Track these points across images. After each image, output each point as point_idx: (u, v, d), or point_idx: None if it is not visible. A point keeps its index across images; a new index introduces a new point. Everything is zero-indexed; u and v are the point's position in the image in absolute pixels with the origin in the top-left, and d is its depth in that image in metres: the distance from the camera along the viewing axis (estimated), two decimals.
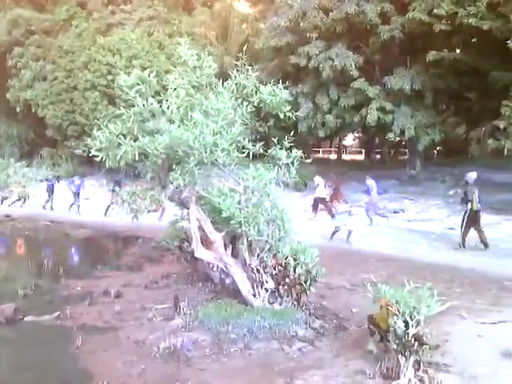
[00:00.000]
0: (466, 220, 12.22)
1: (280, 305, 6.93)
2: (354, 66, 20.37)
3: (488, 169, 22.56)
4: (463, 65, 20.36)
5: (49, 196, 20.29)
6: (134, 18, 28.18)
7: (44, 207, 20.20)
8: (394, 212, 18.25)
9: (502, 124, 18.11)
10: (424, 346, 4.89)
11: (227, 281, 7.90)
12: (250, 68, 7.66)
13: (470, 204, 12.10)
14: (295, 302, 7.03)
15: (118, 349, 6.24)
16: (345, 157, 41.93)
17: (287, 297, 6.93)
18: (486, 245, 12.06)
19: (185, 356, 5.90)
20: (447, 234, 14.53)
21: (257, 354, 6.01)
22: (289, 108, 7.56)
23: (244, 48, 8.16)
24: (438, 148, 34.23)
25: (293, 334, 6.44)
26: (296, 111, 20.35)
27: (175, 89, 7.14)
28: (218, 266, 7.74)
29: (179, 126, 6.46)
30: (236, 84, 7.55)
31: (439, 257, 11.59)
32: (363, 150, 42.50)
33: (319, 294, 7.93)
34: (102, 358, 6.01)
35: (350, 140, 46.83)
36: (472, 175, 12.58)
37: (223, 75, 7.95)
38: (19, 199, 21.25)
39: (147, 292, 8.78)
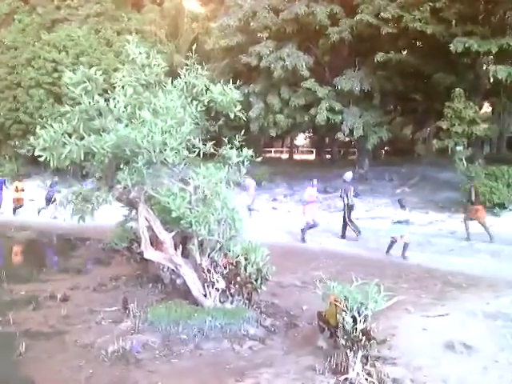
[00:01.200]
0: (346, 213, 14.04)
1: (231, 304, 6.92)
2: (304, 67, 20.63)
3: (433, 167, 23.40)
4: (409, 67, 21.00)
5: None
6: (80, 13, 27.45)
7: None
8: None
9: (444, 125, 18.80)
10: (372, 341, 4.99)
11: (178, 281, 7.82)
12: (200, 67, 7.61)
13: (346, 199, 14.01)
14: (246, 301, 7.03)
15: (64, 354, 6.05)
16: (296, 156, 42.37)
17: (238, 296, 6.93)
18: (355, 233, 13.90)
19: (134, 358, 5.79)
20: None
21: (207, 354, 5.98)
22: (239, 107, 7.54)
23: (194, 47, 8.12)
24: (385, 148, 35.15)
25: (244, 332, 6.45)
26: (248, 111, 20.66)
27: (123, 87, 7.00)
28: (168, 267, 7.65)
29: (127, 125, 6.33)
30: (186, 83, 7.49)
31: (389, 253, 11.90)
32: (314, 150, 43.07)
33: (271, 292, 7.97)
34: (47, 364, 5.81)
35: (301, 140, 47.40)
36: (348, 175, 14.40)
37: (173, 74, 7.87)
38: None
39: (95, 295, 8.56)
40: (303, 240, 13.48)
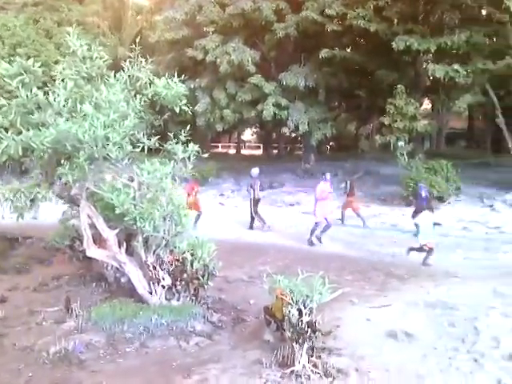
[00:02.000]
0: (252, 206, 14.46)
1: (177, 301, 6.86)
2: (250, 62, 20.70)
3: (376, 162, 24.06)
4: (353, 64, 21.48)
5: None
6: (17, 2, 26.27)
7: None
8: (290, 205, 18.82)
9: (387, 121, 19.36)
10: (317, 333, 5.08)
11: (123, 280, 7.65)
12: (144, 60, 7.45)
13: (252, 193, 14.44)
14: (193, 298, 6.98)
15: (2, 358, 5.79)
16: (243, 152, 42.47)
17: (185, 292, 6.87)
18: (261, 224, 14.37)
19: (77, 359, 5.63)
20: (339, 224, 15.25)
21: (153, 352, 5.90)
22: (185, 102, 7.45)
23: (138, 39, 7.96)
24: (331, 143, 35.82)
25: (190, 329, 6.40)
26: (194, 106, 20.47)
27: (63, 80, 6.76)
28: (112, 265, 7.48)
29: (67, 119, 6.12)
30: (129, 76, 7.31)
31: (332, 246, 12.15)
32: (261, 145, 43.31)
33: (218, 287, 7.96)
34: None
35: (248, 135, 47.53)
36: (255, 170, 14.92)
37: (117, 67, 7.67)
38: None
39: (36, 295, 8.24)
40: (311, 243, 12.26)
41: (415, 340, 5.85)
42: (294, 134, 28.28)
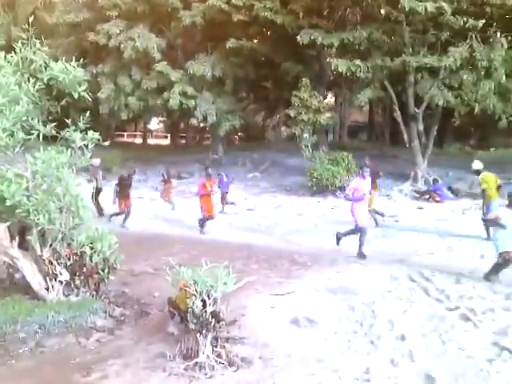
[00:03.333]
0: (94, 195, 14.40)
1: (77, 296, 6.53)
2: (156, 49, 20.20)
3: (282, 153, 24.57)
4: (260, 55, 21.70)
5: None
6: None
7: None
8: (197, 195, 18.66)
9: (292, 113, 19.78)
10: (221, 323, 5.06)
11: (17, 276, 7.14)
12: (38, 41, 6.95)
13: (95, 182, 14.68)
14: (94, 292, 6.69)
15: None
16: (150, 141, 41.55)
17: (84, 287, 6.56)
18: (98, 212, 14.12)
19: None
20: (247, 214, 15.41)
21: (50, 351, 5.57)
22: (85, 87, 7.06)
23: (32, 19, 7.43)
24: (239, 134, 36.04)
25: (91, 325, 6.13)
26: (97, 92, 19.59)
27: None
28: (4, 261, 6.95)
29: None
30: (22, 58, 6.79)
31: (239, 236, 12.23)
32: (169, 135, 42.61)
33: (121, 281, 7.71)
34: None
35: (155, 124, 46.53)
36: (96, 161, 14.54)
37: (12, 48, 7.09)
38: None
39: None
40: (362, 256, 9.79)
41: (317, 325, 6.03)
42: (202, 124, 28.10)
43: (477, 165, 11.69)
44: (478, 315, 6.33)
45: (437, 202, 16.84)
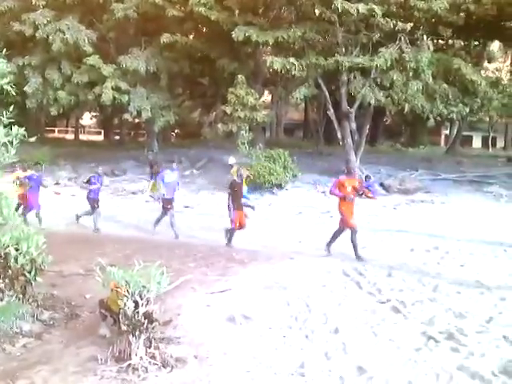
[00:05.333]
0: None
1: (1, 301, 6.17)
2: (87, 42, 19.51)
3: (219, 150, 24.49)
4: (196, 51, 21.48)
5: None
6: None
7: None
8: (133, 193, 18.32)
9: (228, 110, 19.75)
10: (154, 323, 4.94)
11: None
12: None
13: None
14: (20, 295, 6.34)
15: None
16: (83, 137, 40.22)
17: (9, 291, 6.19)
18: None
19: None
20: (184, 212, 15.24)
21: None
22: (7, 80, 6.67)
23: None
24: (176, 130, 35.58)
25: (17, 330, 5.79)
26: (24, 86, 18.68)
27: None
28: None
29: None
30: None
31: (176, 234, 12.06)
32: (102, 131, 41.41)
33: (51, 283, 7.37)
34: None
35: (87, 120, 45.07)
36: None
37: None
38: None
39: None
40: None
41: (253, 322, 6.03)
42: (137, 120, 27.50)
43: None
44: (408, 307, 6.57)
45: (369, 197, 17.36)
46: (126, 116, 21.36)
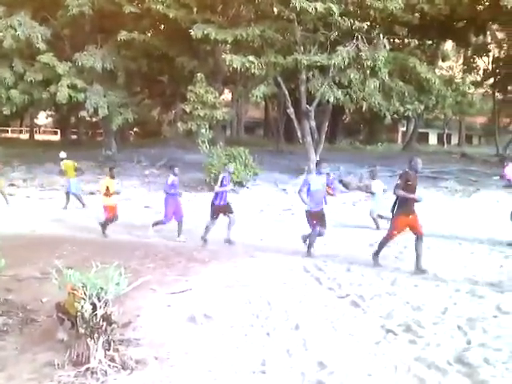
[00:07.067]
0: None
1: None
2: (40, 39, 18.95)
3: (180, 149, 24.31)
4: (154, 49, 21.20)
5: None
6: None
7: None
8: (91, 193, 17.97)
9: (188, 108, 19.61)
10: (113, 325, 4.85)
11: None
12: None
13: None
14: None
15: None
16: (38, 137, 39.14)
17: None
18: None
19: None
20: (144, 211, 15.05)
21: None
22: None
23: None
24: (135, 129, 35.10)
25: None
26: None
27: None
28: None
29: None
30: None
31: (137, 235, 11.91)
32: (58, 130, 40.40)
33: (5, 287, 7.15)
34: None
35: (43, 119, 43.88)
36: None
37: None
38: None
39: None
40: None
41: (214, 321, 6.01)
42: (94, 119, 26.94)
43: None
44: (367, 301, 6.69)
45: (329, 194, 17.55)
46: (83, 113, 20.95)
